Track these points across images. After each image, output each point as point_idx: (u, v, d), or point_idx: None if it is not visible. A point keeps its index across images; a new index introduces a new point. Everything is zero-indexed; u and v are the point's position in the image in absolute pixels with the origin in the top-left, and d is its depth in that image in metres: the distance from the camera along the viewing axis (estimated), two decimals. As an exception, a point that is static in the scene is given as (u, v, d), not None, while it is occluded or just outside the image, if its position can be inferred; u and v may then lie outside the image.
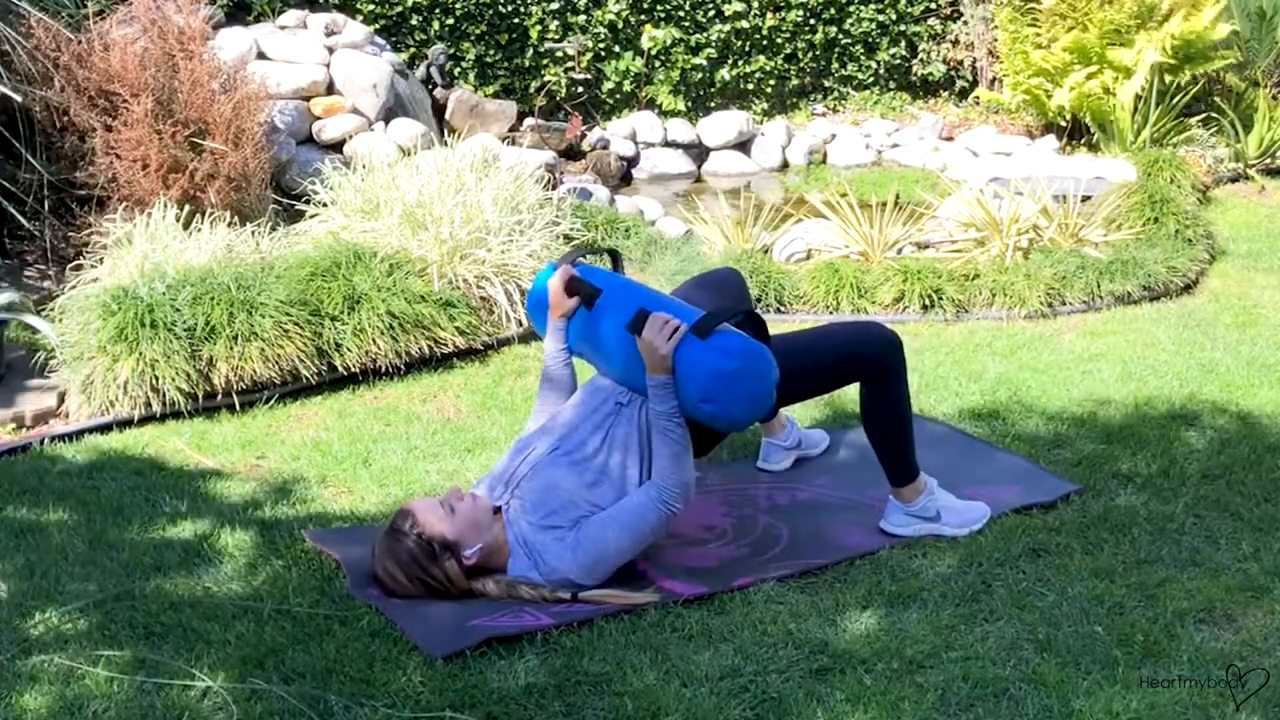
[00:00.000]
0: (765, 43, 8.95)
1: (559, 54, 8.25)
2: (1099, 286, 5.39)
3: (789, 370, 3.06)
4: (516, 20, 8.15)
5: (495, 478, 3.12)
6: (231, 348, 4.22)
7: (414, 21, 7.81)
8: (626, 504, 2.95)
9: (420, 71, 7.36)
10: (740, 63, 8.89)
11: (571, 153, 7.53)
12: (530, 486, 3.01)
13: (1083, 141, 8.05)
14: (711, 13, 8.73)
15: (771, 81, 9.06)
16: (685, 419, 2.97)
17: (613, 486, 3.00)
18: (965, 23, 9.18)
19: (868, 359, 3.21)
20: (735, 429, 3.10)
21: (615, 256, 3.49)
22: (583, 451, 3.03)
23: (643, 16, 8.51)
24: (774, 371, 2.96)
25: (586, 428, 3.08)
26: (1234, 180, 7.69)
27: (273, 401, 4.29)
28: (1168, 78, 7.63)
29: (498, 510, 3.02)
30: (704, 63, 8.71)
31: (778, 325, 5.20)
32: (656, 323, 2.93)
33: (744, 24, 8.79)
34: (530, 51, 8.20)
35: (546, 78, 8.25)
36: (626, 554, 2.96)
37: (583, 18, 8.30)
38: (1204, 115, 8.02)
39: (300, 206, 5.49)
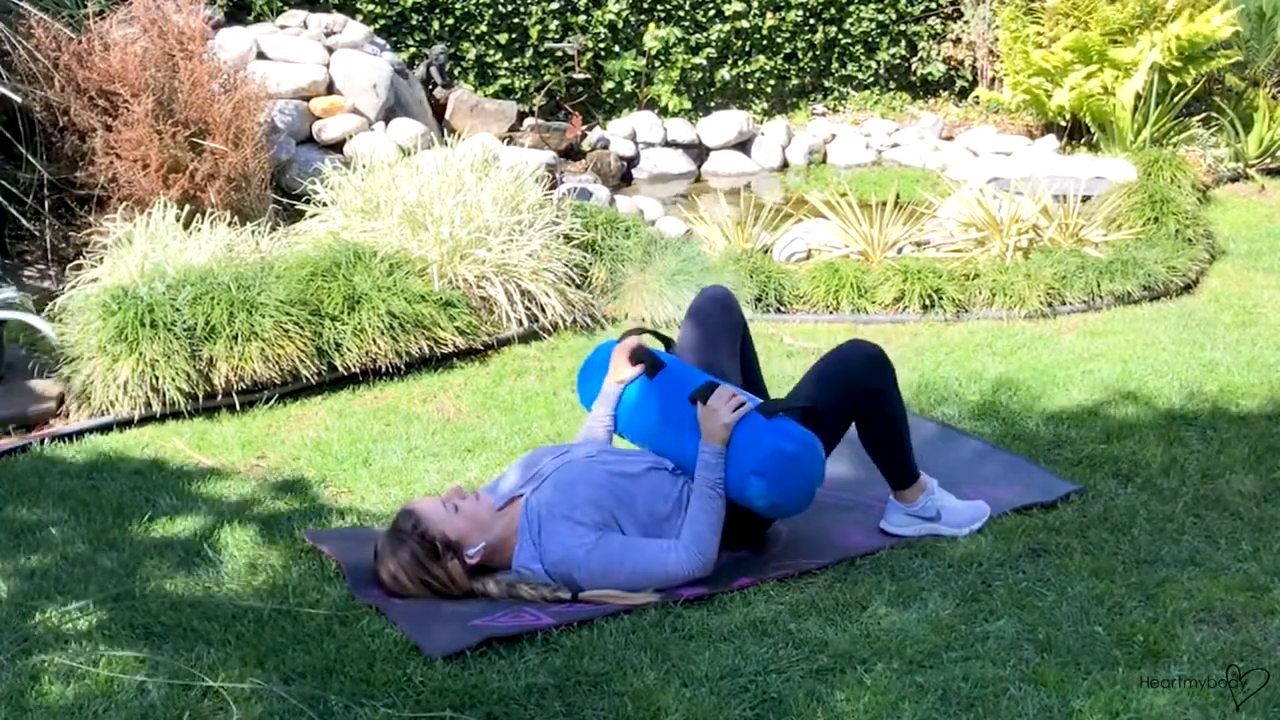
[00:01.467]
0: (765, 42, 8.95)
1: (559, 54, 8.25)
2: (1099, 286, 5.39)
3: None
4: (516, 20, 8.15)
5: (525, 466, 3.13)
6: (231, 348, 4.22)
7: (414, 21, 7.81)
8: (655, 544, 2.97)
9: (420, 71, 7.36)
10: (740, 62, 8.89)
11: (571, 153, 7.53)
12: (562, 479, 3.02)
13: (1083, 141, 8.05)
14: (712, 12, 8.73)
15: (771, 81, 9.06)
16: (728, 497, 3.00)
17: (641, 513, 3.01)
18: (965, 22, 9.18)
19: (863, 389, 3.21)
20: (770, 513, 3.12)
21: (668, 343, 3.51)
22: (622, 469, 3.06)
23: (643, 16, 8.51)
24: (823, 470, 3.05)
25: (633, 457, 3.14)
26: (1234, 180, 7.69)
27: (273, 401, 4.29)
28: (1169, 77, 7.63)
29: (517, 498, 3.02)
30: (704, 62, 8.71)
31: (778, 325, 5.22)
32: (724, 394, 3.02)
33: (744, 24, 8.80)
34: (530, 51, 8.20)
35: (546, 78, 8.25)
36: (630, 583, 2.94)
37: (583, 18, 8.30)
38: (1204, 115, 8.02)
39: (300, 206, 5.49)
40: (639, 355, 3.26)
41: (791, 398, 3.23)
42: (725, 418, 2.98)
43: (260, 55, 6.37)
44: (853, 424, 3.28)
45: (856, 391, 3.21)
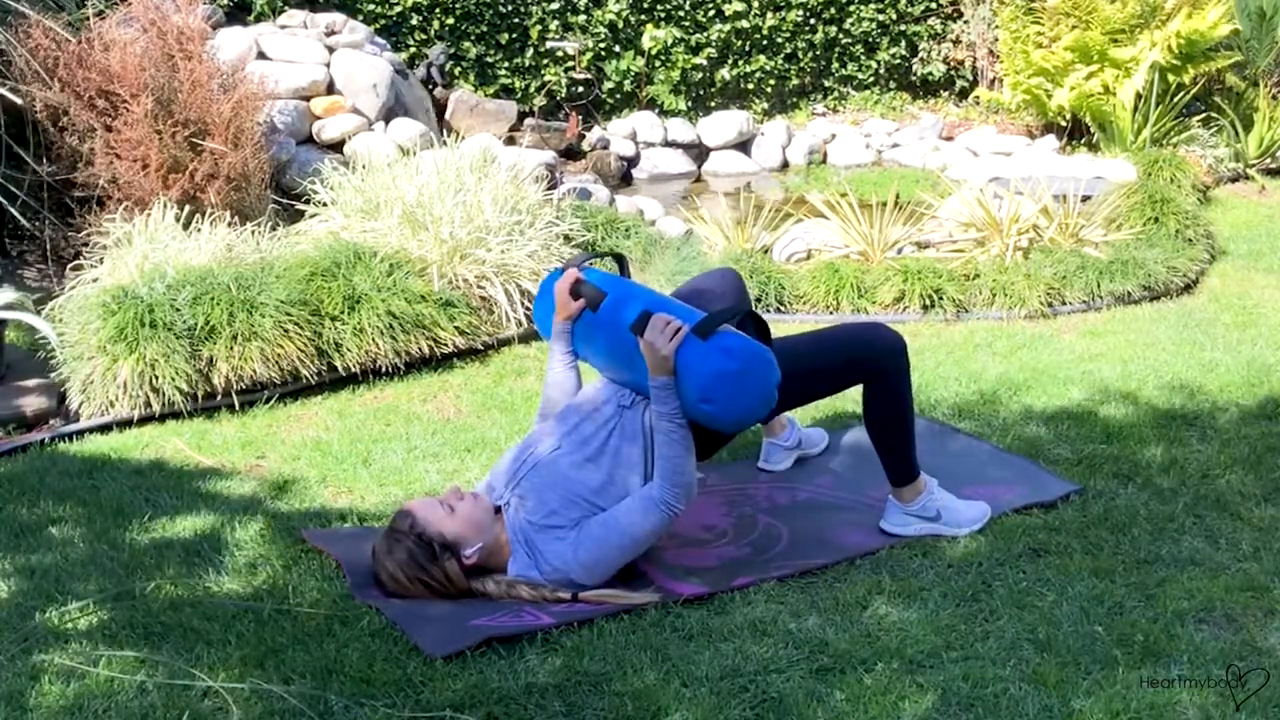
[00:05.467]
0: (765, 42, 8.96)
1: (559, 54, 8.25)
2: (1099, 286, 5.39)
3: (794, 373, 3.06)
4: (516, 20, 8.15)
5: (496, 476, 3.12)
6: (231, 348, 4.22)
7: (414, 21, 7.81)
8: (628, 504, 2.95)
9: (420, 71, 7.36)
10: (740, 63, 8.89)
11: (571, 153, 7.53)
12: (531, 485, 3.01)
13: (1083, 141, 8.05)
14: (712, 12, 8.73)
15: (771, 81, 9.06)
16: (688, 420, 2.97)
17: (615, 487, 3.00)
18: (966, 22, 9.18)
19: (872, 361, 3.21)
20: (736, 430, 3.11)
21: (621, 260, 3.49)
22: (585, 451, 3.03)
23: (643, 16, 8.51)
24: (775, 372, 2.96)
25: (589, 427, 3.08)
26: (1234, 180, 7.69)
27: (273, 401, 4.29)
28: (1169, 77, 7.63)
29: (499, 509, 3.02)
30: (704, 62, 8.71)
31: (778, 326, 5.21)
32: (658, 324, 2.94)
33: (744, 24, 8.80)
34: (530, 51, 8.20)
35: (546, 78, 8.25)
36: (628, 554, 2.95)
37: (583, 18, 8.30)
38: (1204, 115, 8.02)
39: (300, 206, 5.48)
40: (579, 289, 3.21)
41: (792, 343, 3.20)
42: (664, 348, 2.91)
43: (260, 55, 6.37)
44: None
45: (863, 359, 3.20)
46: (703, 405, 2.91)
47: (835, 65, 9.26)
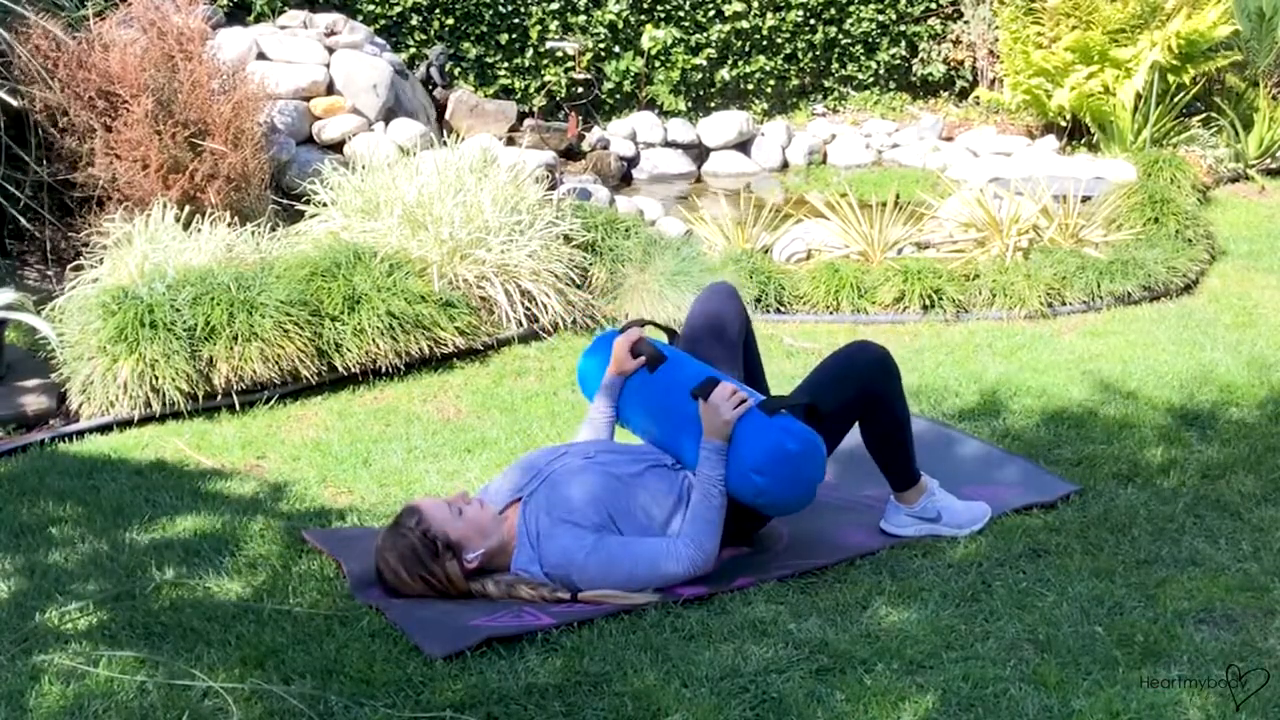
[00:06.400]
0: (765, 43, 8.95)
1: (559, 54, 8.25)
2: (1099, 286, 5.39)
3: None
4: (516, 20, 8.15)
5: (523, 469, 3.12)
6: (231, 348, 4.22)
7: (414, 21, 7.81)
8: (655, 545, 2.96)
9: (420, 72, 7.36)
10: (740, 63, 8.89)
11: (571, 153, 7.53)
12: (560, 480, 3.02)
13: (1083, 142, 8.05)
14: (711, 13, 8.73)
15: (771, 81, 9.06)
16: (728, 494, 2.99)
17: (638, 516, 3.01)
18: (966, 23, 9.18)
19: (868, 391, 3.20)
20: (771, 511, 3.13)
21: (672, 335, 3.49)
22: (618, 471, 3.05)
23: (643, 16, 8.51)
24: (824, 469, 3.03)
25: (628, 458, 3.12)
26: (1234, 180, 7.69)
27: (273, 401, 4.29)
28: (1169, 77, 7.63)
29: (512, 504, 3.02)
30: (704, 63, 8.71)
31: (778, 326, 5.22)
32: (725, 390, 3.00)
33: (744, 24, 8.79)
34: (530, 51, 8.20)
35: (546, 78, 8.25)
36: (628, 585, 2.93)
37: (583, 18, 8.30)
38: (1204, 115, 8.02)
39: (300, 206, 5.48)
40: (640, 348, 3.24)
41: (795, 396, 3.22)
42: (727, 414, 2.97)
43: (260, 56, 6.37)
44: (855, 424, 3.28)
45: (861, 393, 3.20)
46: (754, 476, 2.95)
47: (835, 65, 9.26)
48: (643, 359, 3.23)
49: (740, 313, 3.44)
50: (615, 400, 3.29)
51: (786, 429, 2.98)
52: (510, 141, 7.18)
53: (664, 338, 3.46)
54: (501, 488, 3.12)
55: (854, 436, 3.86)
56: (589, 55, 8.35)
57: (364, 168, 5.44)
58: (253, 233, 4.95)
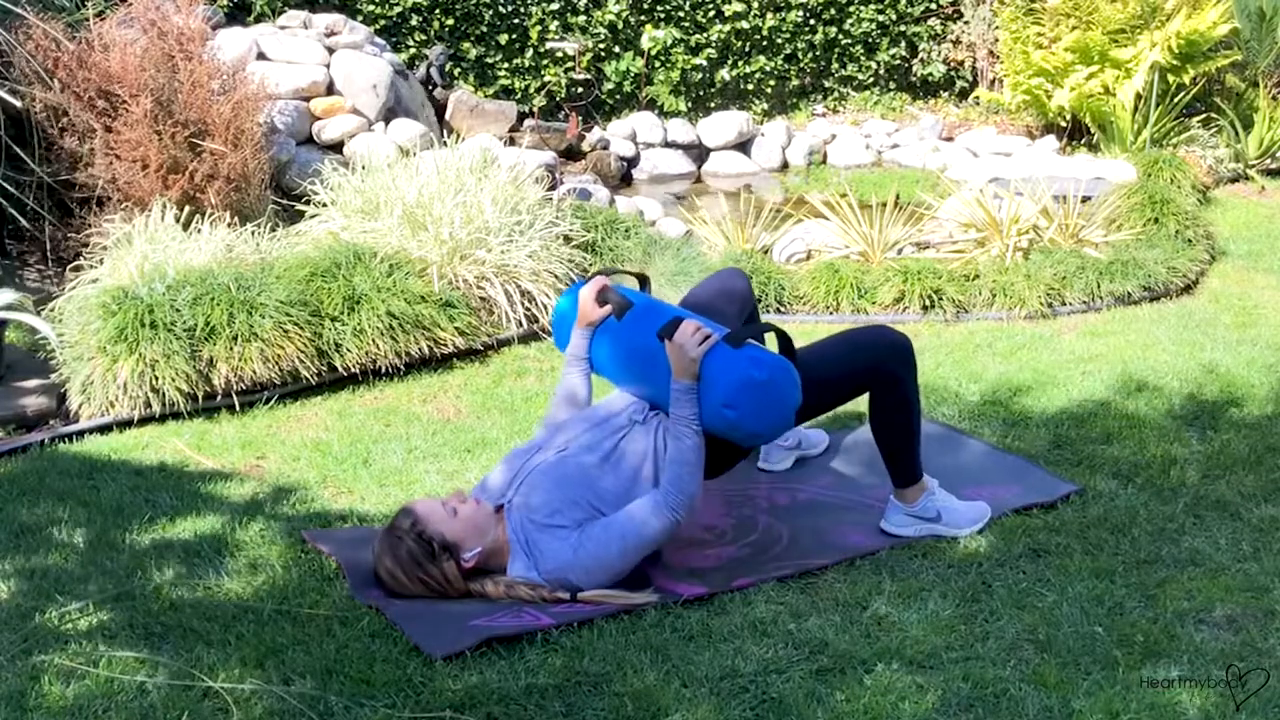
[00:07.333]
0: (765, 43, 8.96)
1: (559, 54, 8.25)
2: (1099, 287, 5.39)
3: (808, 383, 3.07)
4: (516, 21, 8.15)
5: (500, 474, 3.12)
6: (231, 348, 4.22)
7: (414, 22, 7.81)
8: (632, 509, 2.95)
9: (420, 72, 7.36)
10: (740, 63, 8.89)
11: (571, 153, 7.53)
12: (536, 484, 3.01)
13: (1083, 142, 8.05)
14: (711, 13, 8.73)
15: (771, 82, 9.06)
16: (703, 430, 2.97)
17: (619, 493, 3.00)
18: (966, 23, 9.18)
19: (884, 366, 3.20)
20: (749, 443, 3.11)
21: (644, 281, 3.49)
22: (592, 455, 3.04)
23: (643, 17, 8.51)
24: (798, 393, 2.99)
25: (598, 435, 3.09)
26: (1234, 180, 7.69)
27: (273, 402, 4.29)
28: (1169, 78, 7.63)
29: (500, 508, 3.02)
30: (704, 63, 8.71)
31: (778, 326, 5.21)
32: (689, 328, 2.97)
33: (744, 24, 8.79)
34: (530, 51, 8.20)
35: (546, 78, 8.25)
36: (629, 558, 2.94)
37: (582, 18, 8.30)
38: (1204, 115, 8.02)
39: (300, 207, 5.49)
40: (606, 296, 3.22)
41: (803, 354, 3.19)
42: (692, 351, 2.94)
43: (260, 56, 6.37)
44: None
45: (871, 367, 3.20)
46: (725, 411, 2.92)
47: (835, 66, 9.26)
48: (609, 308, 3.20)
49: (748, 289, 3.47)
50: (587, 351, 3.27)
51: (754, 359, 2.94)
52: (510, 142, 7.18)
53: (635, 285, 3.44)
54: (497, 483, 3.12)
55: (855, 437, 3.87)
56: (589, 55, 8.35)
57: (364, 168, 5.44)
58: (253, 233, 4.95)
